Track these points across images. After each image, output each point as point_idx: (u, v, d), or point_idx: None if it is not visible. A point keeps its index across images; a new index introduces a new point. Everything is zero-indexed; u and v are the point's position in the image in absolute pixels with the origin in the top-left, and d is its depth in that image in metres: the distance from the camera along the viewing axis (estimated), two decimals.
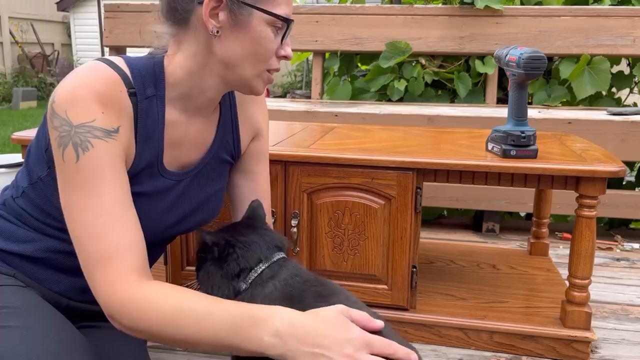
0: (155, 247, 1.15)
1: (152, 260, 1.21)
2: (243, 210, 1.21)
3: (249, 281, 0.99)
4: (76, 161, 0.89)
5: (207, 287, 1.02)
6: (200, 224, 1.20)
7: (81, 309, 1.10)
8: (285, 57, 1.02)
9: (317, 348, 0.81)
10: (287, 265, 1.03)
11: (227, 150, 1.18)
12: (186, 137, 1.07)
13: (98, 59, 0.97)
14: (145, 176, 1.01)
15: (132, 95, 0.95)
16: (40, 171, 1.01)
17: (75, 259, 0.97)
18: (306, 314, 0.85)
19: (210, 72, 1.00)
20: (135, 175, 0.99)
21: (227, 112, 1.16)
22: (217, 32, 0.95)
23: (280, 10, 0.97)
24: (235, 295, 0.99)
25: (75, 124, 0.88)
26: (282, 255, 1.05)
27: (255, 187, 1.25)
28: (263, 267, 1.00)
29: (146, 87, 0.98)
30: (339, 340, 0.81)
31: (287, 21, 0.98)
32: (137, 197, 0.99)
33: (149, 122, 0.99)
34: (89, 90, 0.90)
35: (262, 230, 1.08)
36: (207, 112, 1.09)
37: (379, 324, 0.87)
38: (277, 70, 1.03)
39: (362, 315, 0.86)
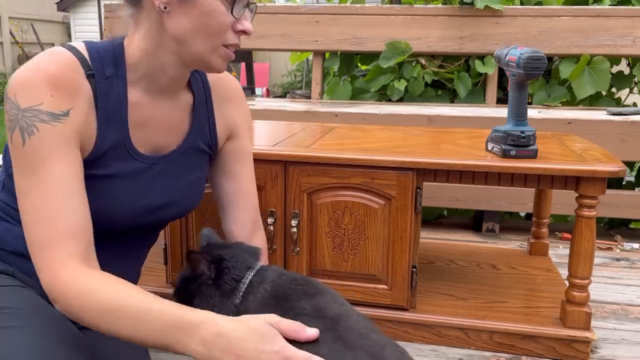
0: (141, 232, 1.15)
1: (146, 246, 1.22)
2: (232, 213, 1.23)
3: (241, 294, 0.98)
4: (22, 145, 0.89)
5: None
6: (182, 213, 1.20)
7: None
8: (244, 32, 1.00)
9: (238, 358, 0.80)
10: (271, 268, 1.03)
11: (204, 140, 1.17)
12: (153, 118, 1.07)
13: (60, 45, 0.98)
14: (113, 158, 1.01)
15: (90, 77, 0.96)
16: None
17: None
18: (237, 323, 0.83)
19: (165, 50, 1.00)
20: (100, 156, 0.99)
21: (202, 101, 1.15)
22: (165, 8, 0.95)
23: None
24: (230, 312, 0.98)
25: (22, 107, 0.89)
26: (262, 263, 1.06)
27: (239, 188, 1.24)
28: (250, 276, 1.00)
29: (105, 67, 0.98)
30: (257, 351, 0.80)
31: None
32: (107, 179, 1.00)
33: (109, 102, 0.99)
34: (40, 74, 0.90)
35: (237, 244, 1.09)
36: (172, 93, 1.09)
37: (309, 333, 0.84)
38: (236, 46, 1.00)
39: (291, 326, 0.84)
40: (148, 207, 1.09)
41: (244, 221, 1.25)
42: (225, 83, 1.21)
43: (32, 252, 0.90)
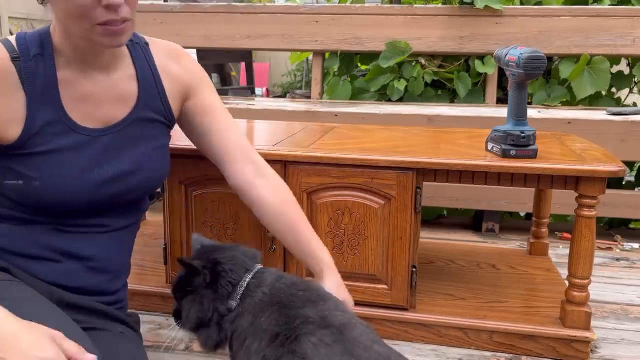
0: (109, 211, 1.15)
1: (124, 228, 1.20)
2: (227, 168, 1.26)
3: (238, 297, 0.98)
4: None
5: (195, 320, 1.01)
6: (146, 185, 1.19)
7: (73, 303, 1.10)
8: (111, 6, 0.97)
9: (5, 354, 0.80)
10: (269, 271, 1.03)
11: (155, 110, 1.19)
12: (92, 93, 1.10)
13: None
14: (52, 134, 1.05)
15: (15, 59, 1.03)
16: None
17: (56, 241, 1.07)
18: (24, 327, 0.84)
19: (70, 35, 1.05)
20: (35, 134, 1.03)
21: (146, 71, 1.18)
22: (43, 1, 1.03)
23: None
24: (226, 314, 0.98)
25: None
26: (260, 266, 1.05)
27: (219, 142, 1.26)
28: (248, 279, 1.00)
29: (30, 49, 1.05)
30: (25, 354, 0.80)
31: None
32: (50, 154, 1.04)
33: (37, 81, 1.04)
34: None
35: (235, 247, 1.08)
36: (108, 68, 1.12)
37: (88, 358, 0.85)
38: (113, 21, 0.98)
39: (73, 348, 0.85)
40: (102, 179, 1.10)
41: (242, 171, 1.26)
42: (162, 47, 1.23)
43: None
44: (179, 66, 1.23)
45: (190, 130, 1.29)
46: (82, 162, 1.07)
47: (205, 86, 1.28)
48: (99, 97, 1.11)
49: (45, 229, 1.09)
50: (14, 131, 1.02)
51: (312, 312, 0.91)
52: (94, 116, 1.10)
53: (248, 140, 1.31)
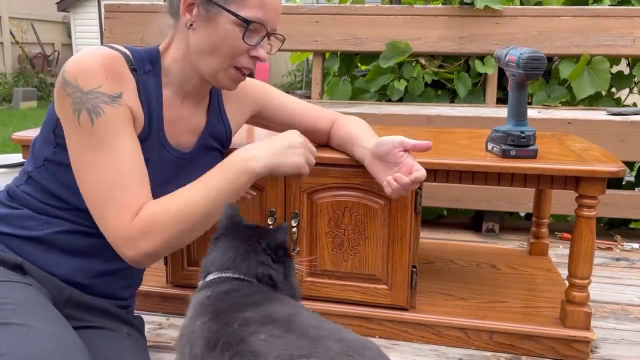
0: None
1: None
2: (316, 126, 1.46)
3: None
4: (91, 125, 1.00)
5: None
6: None
7: (83, 301, 1.10)
8: (257, 58, 1.11)
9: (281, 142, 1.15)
10: (229, 282, 0.98)
11: (216, 137, 1.28)
12: (181, 119, 1.18)
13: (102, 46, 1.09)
14: (151, 145, 1.11)
15: (133, 70, 1.08)
16: (47, 152, 1.08)
17: (82, 239, 1.08)
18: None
19: (189, 61, 1.12)
20: (143, 140, 1.09)
21: (214, 99, 1.27)
22: (192, 25, 1.08)
23: (247, 13, 1.06)
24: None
25: (85, 90, 1.00)
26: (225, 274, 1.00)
27: (311, 118, 1.45)
28: (201, 280, 0.99)
29: (144, 64, 1.11)
30: (289, 139, 1.13)
31: (248, 22, 1.06)
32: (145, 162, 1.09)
33: (150, 94, 1.11)
34: (95, 60, 1.02)
35: (234, 238, 1.03)
36: (197, 98, 1.20)
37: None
38: (249, 69, 1.12)
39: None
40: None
41: (320, 128, 1.46)
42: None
43: (101, 214, 1.01)
44: (242, 89, 1.31)
45: (272, 128, 1.45)
46: (160, 178, 1.13)
47: (271, 97, 1.40)
48: (184, 123, 1.18)
49: (77, 228, 1.10)
50: (135, 130, 1.08)
51: (252, 313, 0.87)
52: (177, 139, 1.18)
53: (311, 107, 1.48)
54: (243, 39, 1.07)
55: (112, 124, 1.01)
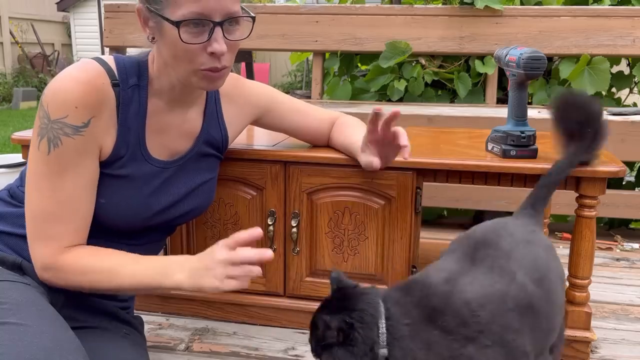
0: (151, 232, 1.21)
1: (157, 246, 1.28)
2: (318, 129, 1.47)
3: (385, 342, 0.95)
4: (47, 154, 1.01)
5: None
6: (192, 215, 1.26)
7: (81, 302, 1.10)
8: (213, 54, 1.04)
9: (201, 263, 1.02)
10: (388, 298, 1.02)
11: (212, 143, 1.26)
12: (171, 125, 1.16)
13: (91, 58, 1.07)
14: (130, 160, 1.10)
15: (115, 85, 1.06)
16: None
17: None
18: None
19: (168, 71, 1.10)
20: (118, 158, 1.09)
21: (211, 105, 1.25)
22: (153, 38, 1.06)
23: (182, 12, 0.99)
24: None
25: (52, 118, 1.00)
26: (379, 299, 1.02)
27: (314, 121, 1.47)
28: (383, 325, 0.97)
29: (129, 78, 1.09)
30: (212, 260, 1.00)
31: (178, 24, 0.99)
32: (123, 179, 1.10)
33: (131, 109, 1.09)
34: (71, 85, 1.01)
35: (358, 292, 1.06)
36: (187, 103, 1.18)
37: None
38: (215, 68, 1.05)
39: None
40: (159, 208, 1.16)
41: (321, 131, 1.48)
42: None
43: (33, 238, 1.04)
44: (243, 95, 1.32)
45: (274, 130, 1.46)
46: (148, 190, 1.13)
47: (273, 102, 1.40)
48: (174, 130, 1.17)
49: None
50: (104, 151, 1.08)
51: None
52: (165, 148, 1.17)
53: (314, 110, 1.49)
54: (182, 40, 1.00)
55: (67, 157, 1.01)
